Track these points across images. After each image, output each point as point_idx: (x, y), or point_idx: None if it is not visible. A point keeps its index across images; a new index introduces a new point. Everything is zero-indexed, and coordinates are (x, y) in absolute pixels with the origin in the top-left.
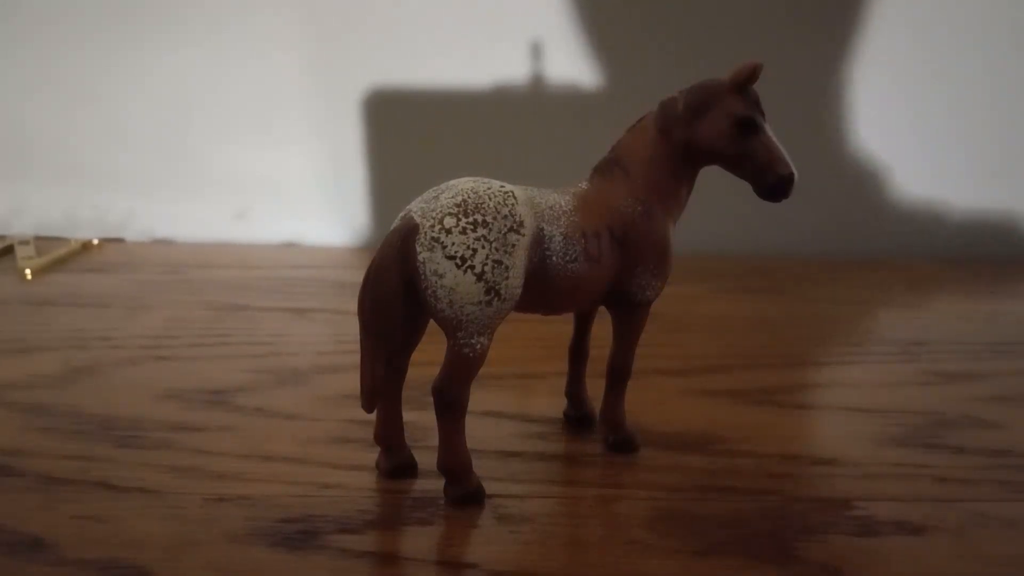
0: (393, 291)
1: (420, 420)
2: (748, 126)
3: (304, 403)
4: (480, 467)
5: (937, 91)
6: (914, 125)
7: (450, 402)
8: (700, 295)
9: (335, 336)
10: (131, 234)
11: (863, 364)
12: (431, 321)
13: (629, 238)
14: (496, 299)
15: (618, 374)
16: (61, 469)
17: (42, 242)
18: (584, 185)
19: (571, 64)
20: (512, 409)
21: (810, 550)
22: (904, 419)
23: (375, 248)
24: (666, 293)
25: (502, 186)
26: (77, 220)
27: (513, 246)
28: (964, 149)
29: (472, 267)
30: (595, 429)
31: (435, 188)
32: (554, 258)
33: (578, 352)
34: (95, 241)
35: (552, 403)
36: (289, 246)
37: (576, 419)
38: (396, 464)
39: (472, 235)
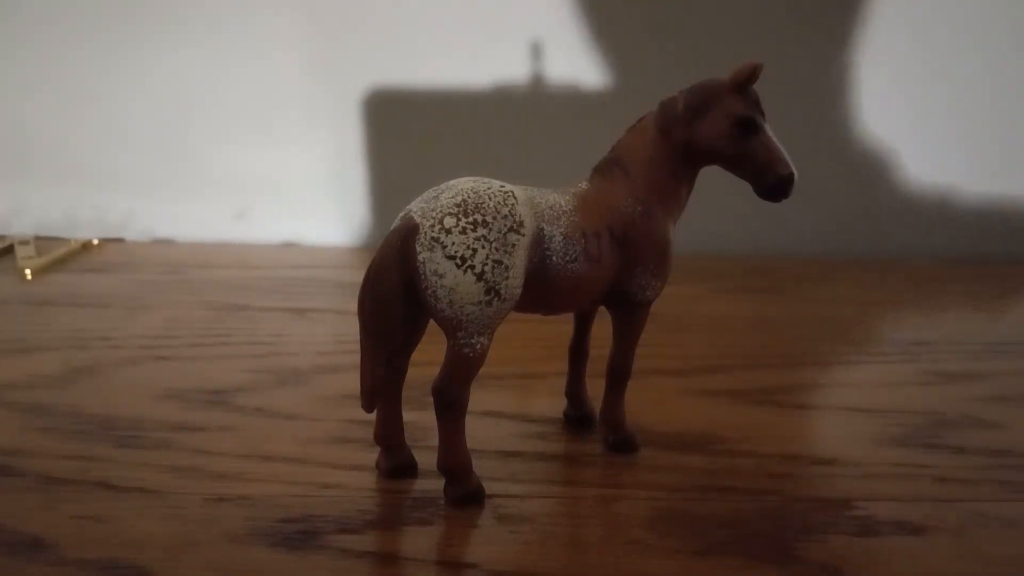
0: (393, 291)
1: (420, 420)
2: (748, 126)
3: (304, 403)
4: (480, 467)
5: (937, 91)
6: (914, 125)
7: (450, 402)
8: (700, 295)
9: (335, 336)
10: (131, 234)
11: (863, 364)
12: (431, 321)
13: (629, 238)
14: (496, 299)
15: (618, 374)
16: (61, 469)
17: (42, 242)
18: (584, 185)
19: (571, 64)
20: (512, 409)
21: (810, 550)
22: (904, 419)
23: (375, 248)
24: (666, 293)
25: (502, 186)
26: (77, 220)
27: (513, 246)
28: (964, 149)
29: (472, 267)
30: (595, 429)
31: (435, 188)
32: (554, 258)
33: (578, 352)
34: (95, 241)
35: (552, 403)
36: (289, 246)
37: (576, 419)
38: (396, 464)
39: (472, 235)
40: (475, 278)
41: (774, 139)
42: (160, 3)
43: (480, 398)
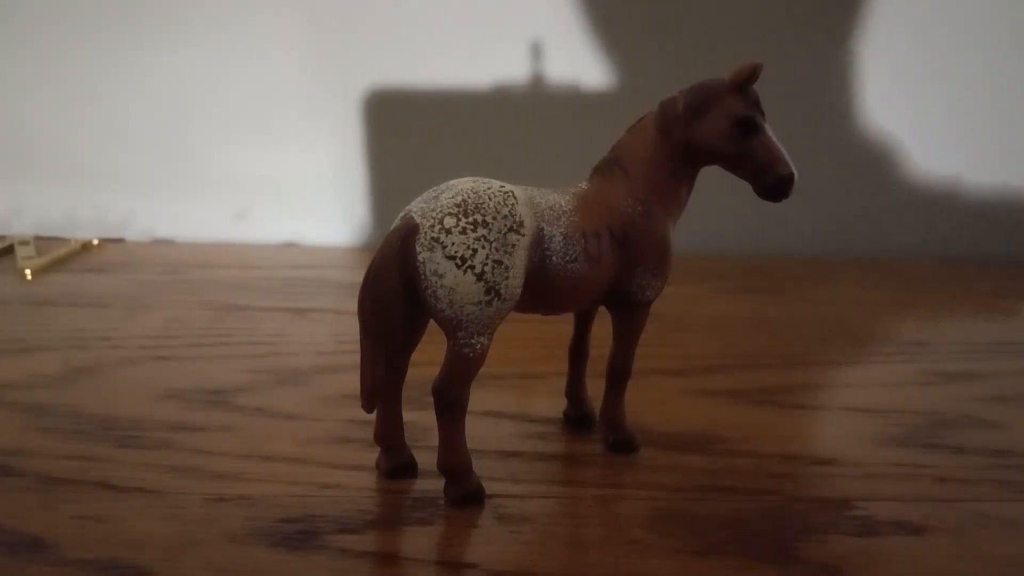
0: (393, 291)
1: (420, 420)
2: (748, 126)
3: (304, 403)
4: (480, 467)
5: (937, 91)
6: (914, 125)
7: (450, 402)
8: (700, 295)
9: (335, 336)
10: (131, 234)
11: (863, 364)
12: (431, 321)
13: (629, 238)
14: (496, 299)
15: (618, 374)
16: (61, 469)
17: (42, 242)
18: (584, 185)
19: (571, 64)
20: (512, 409)
21: (810, 550)
22: (904, 419)
23: (375, 248)
24: (666, 293)
25: (502, 186)
26: (77, 220)
27: (513, 246)
28: (964, 149)
29: (472, 267)
30: (595, 429)
31: (435, 188)
32: (554, 258)
33: (578, 352)
34: (95, 241)
35: (552, 403)
36: (289, 246)
37: (576, 419)
38: (396, 464)
39: (472, 235)
40: (475, 278)
41: (774, 139)
42: (160, 3)
43: (480, 398)
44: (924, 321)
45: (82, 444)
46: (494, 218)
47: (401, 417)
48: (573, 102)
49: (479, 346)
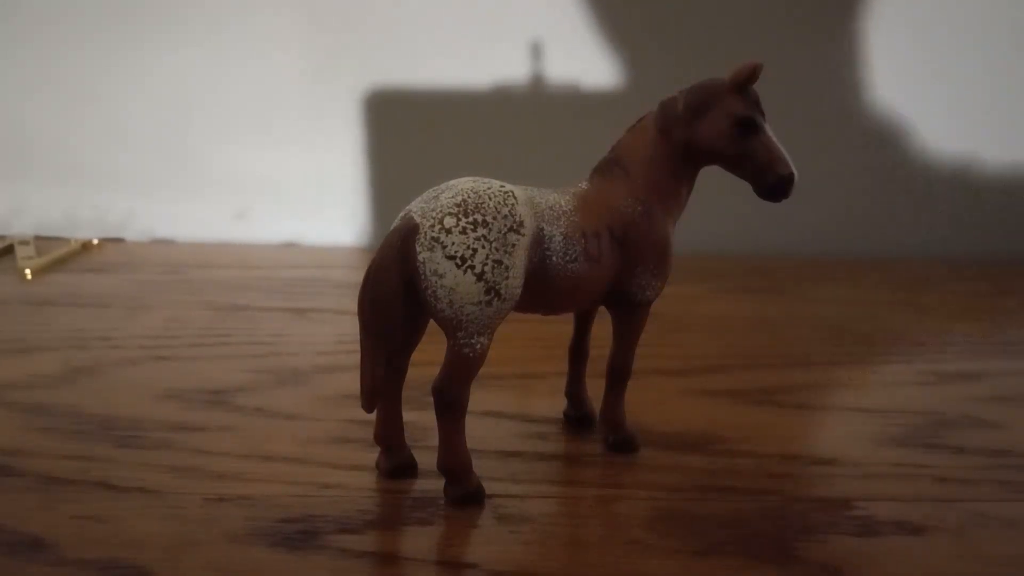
0: (393, 291)
1: (420, 420)
2: (748, 126)
3: (304, 403)
4: (480, 467)
5: (937, 91)
6: (913, 125)
7: (450, 402)
8: (700, 295)
9: (335, 336)
10: (131, 234)
11: (863, 364)
12: (431, 321)
13: (629, 238)
14: (496, 299)
15: (618, 374)
16: (61, 469)
17: (42, 242)
18: (584, 185)
19: (571, 64)
20: (512, 409)
21: (810, 550)
22: (904, 419)
23: (375, 248)
24: (666, 293)
25: (502, 186)
26: (77, 220)
27: (513, 246)
28: (964, 149)
29: (472, 267)
30: (595, 429)
31: (435, 188)
32: (554, 258)
33: (578, 352)
34: (95, 241)
35: (552, 403)
36: (289, 246)
37: (576, 419)
38: (396, 464)
39: (472, 235)
40: (475, 278)
41: (774, 139)
42: (160, 3)
43: (480, 398)
44: (924, 321)
45: (82, 444)
46: (494, 218)
47: (401, 417)
48: (573, 102)
49: (479, 346)
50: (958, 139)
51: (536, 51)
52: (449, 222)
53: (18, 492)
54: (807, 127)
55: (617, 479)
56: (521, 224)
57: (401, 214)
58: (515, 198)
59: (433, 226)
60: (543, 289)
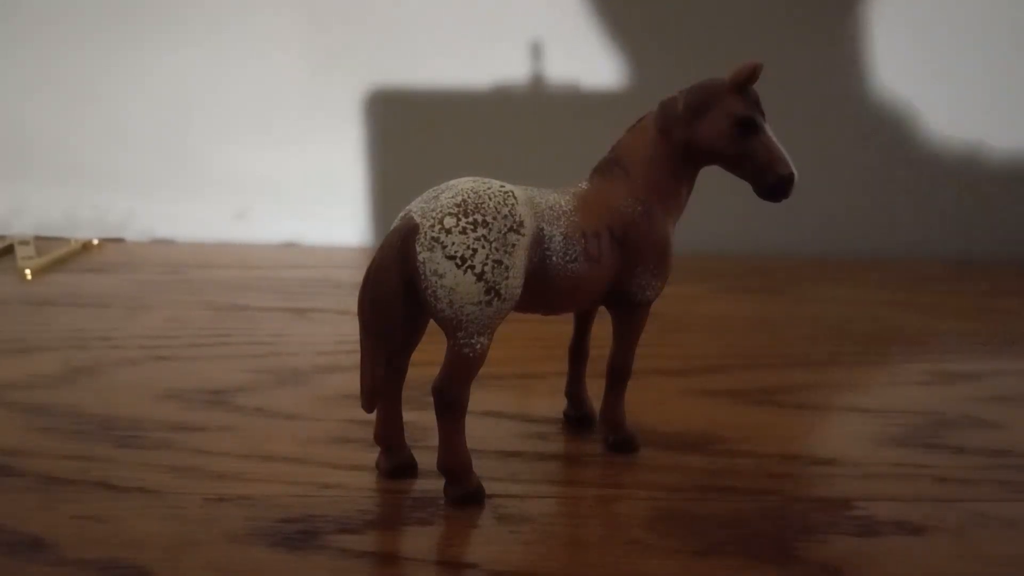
0: (393, 291)
1: (420, 420)
2: (748, 126)
3: (304, 403)
4: (480, 467)
5: (937, 91)
6: (913, 125)
7: (450, 402)
8: (700, 295)
9: (335, 336)
10: (131, 234)
11: (863, 364)
12: (431, 321)
13: (629, 238)
14: (496, 299)
15: (618, 374)
16: (61, 469)
17: (42, 242)
18: (584, 185)
19: (571, 64)
20: (512, 409)
21: (810, 550)
22: (904, 419)
23: (375, 248)
24: (666, 293)
25: (502, 186)
26: (77, 220)
27: (513, 246)
28: (964, 148)
29: (472, 267)
30: (595, 429)
31: (435, 188)
32: (554, 258)
33: (578, 352)
34: (95, 241)
35: (552, 403)
36: (289, 246)
37: (576, 419)
38: (396, 464)
39: (472, 235)
40: (475, 278)
41: (774, 139)
42: (160, 3)
43: (480, 398)
44: (924, 321)
45: (82, 444)
46: (494, 218)
47: (401, 417)
48: (573, 102)
49: (479, 346)
50: (958, 139)
51: (536, 51)
52: (449, 222)
53: (18, 492)
54: (807, 127)
55: (617, 479)
56: (521, 224)
57: (401, 214)
58: (515, 198)
59: (433, 226)
60: (543, 289)
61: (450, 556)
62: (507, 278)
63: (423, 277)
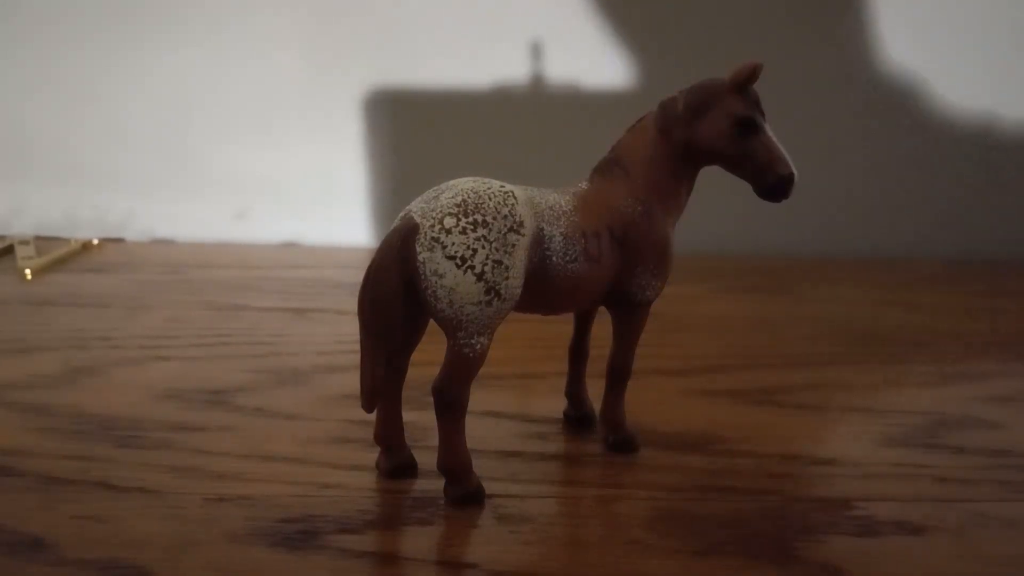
0: (393, 291)
1: (420, 420)
2: (748, 126)
3: (304, 403)
4: (480, 467)
5: (936, 92)
6: (913, 125)
7: (450, 402)
8: (700, 295)
9: (335, 336)
10: (131, 234)
11: (863, 364)
12: (431, 321)
13: (629, 238)
14: (496, 299)
15: (618, 374)
16: (61, 469)
17: (42, 242)
18: (584, 185)
19: (571, 64)
20: (512, 409)
21: (810, 550)
22: (904, 419)
23: (375, 248)
24: (666, 293)
25: (502, 186)
26: (77, 220)
27: (513, 246)
28: (963, 150)
29: (472, 267)
30: (595, 429)
31: (435, 188)
32: (554, 258)
33: (578, 352)
34: (95, 241)
35: (552, 403)
36: (289, 246)
37: (576, 419)
38: (396, 464)
39: (472, 235)
40: (475, 278)
41: (774, 139)
42: (160, 3)
43: (480, 398)
44: (925, 321)
45: (82, 444)
46: (494, 218)
47: (401, 417)
48: (573, 102)
49: (479, 346)
50: (958, 139)
51: (536, 51)
52: (449, 222)
53: (18, 492)
54: (807, 127)
55: (617, 479)
56: (521, 224)
57: (401, 214)
58: (515, 198)
59: (433, 226)
60: (543, 289)
61: (450, 556)
62: (507, 278)
63: (423, 277)
